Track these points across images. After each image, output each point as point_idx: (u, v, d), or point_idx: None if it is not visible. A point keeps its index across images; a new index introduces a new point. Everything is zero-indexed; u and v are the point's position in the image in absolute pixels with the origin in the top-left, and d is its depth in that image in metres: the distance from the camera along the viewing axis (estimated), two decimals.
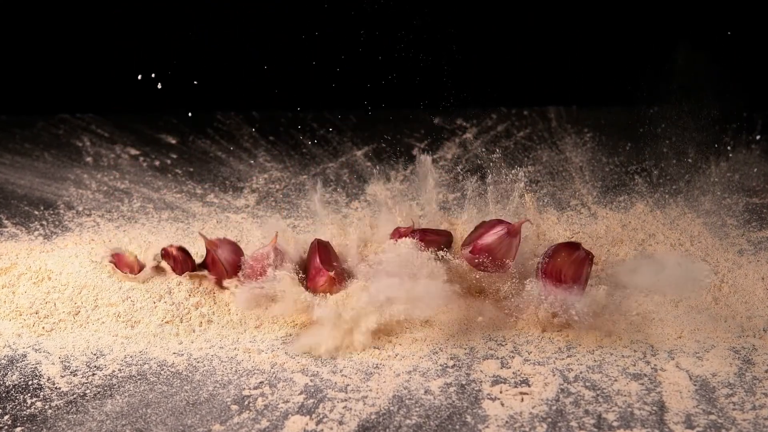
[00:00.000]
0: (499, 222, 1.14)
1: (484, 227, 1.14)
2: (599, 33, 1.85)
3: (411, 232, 1.18)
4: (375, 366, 1.02)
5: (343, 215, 1.40)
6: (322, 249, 1.16)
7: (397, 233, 1.19)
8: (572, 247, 1.10)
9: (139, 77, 1.41)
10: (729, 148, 1.56)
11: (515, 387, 0.98)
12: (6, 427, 0.91)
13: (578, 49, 1.85)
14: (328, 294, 1.10)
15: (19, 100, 1.87)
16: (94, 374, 1.01)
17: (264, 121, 1.83)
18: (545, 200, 1.46)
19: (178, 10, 1.79)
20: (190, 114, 1.77)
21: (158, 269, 1.16)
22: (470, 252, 1.13)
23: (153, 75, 1.41)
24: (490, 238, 1.12)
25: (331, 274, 1.11)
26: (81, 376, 1.01)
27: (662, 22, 1.80)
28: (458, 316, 1.10)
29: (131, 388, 0.98)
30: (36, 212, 1.41)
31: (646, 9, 1.82)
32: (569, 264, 1.09)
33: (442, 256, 1.13)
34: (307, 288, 1.12)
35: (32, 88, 1.87)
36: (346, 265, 1.18)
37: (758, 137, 1.62)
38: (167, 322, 1.10)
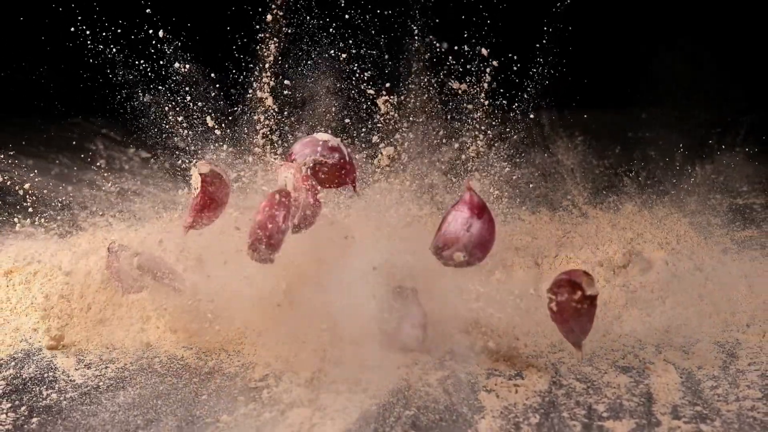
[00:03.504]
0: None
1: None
2: (591, 38, 1.86)
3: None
4: (376, 360, 1.02)
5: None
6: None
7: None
8: (575, 283, 0.97)
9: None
10: (714, 151, 1.57)
11: (510, 380, 1.00)
12: (23, 417, 0.93)
13: (572, 53, 1.87)
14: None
15: (29, 104, 1.87)
16: (107, 367, 1.04)
17: None
18: (538, 201, 1.48)
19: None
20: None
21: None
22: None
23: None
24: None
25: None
26: (94, 368, 1.03)
27: (652, 27, 1.82)
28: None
29: (142, 380, 1.01)
30: (51, 212, 1.40)
31: (637, 14, 1.84)
32: (571, 305, 0.98)
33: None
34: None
35: (42, 92, 1.86)
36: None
37: (742, 140, 1.64)
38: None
